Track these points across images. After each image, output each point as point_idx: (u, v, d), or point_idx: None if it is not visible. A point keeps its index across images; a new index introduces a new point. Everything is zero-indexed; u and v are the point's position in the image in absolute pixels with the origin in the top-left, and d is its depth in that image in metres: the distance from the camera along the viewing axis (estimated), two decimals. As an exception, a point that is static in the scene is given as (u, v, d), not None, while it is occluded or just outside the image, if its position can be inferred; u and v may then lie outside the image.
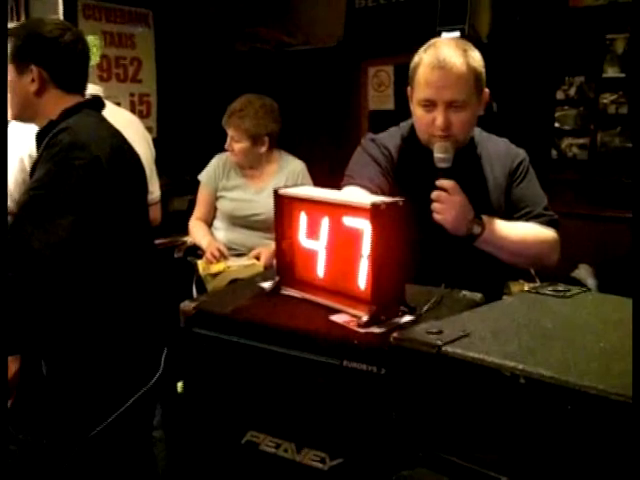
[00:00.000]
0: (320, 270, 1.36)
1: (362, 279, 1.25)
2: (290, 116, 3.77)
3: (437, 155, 1.97)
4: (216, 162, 3.58)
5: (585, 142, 4.44)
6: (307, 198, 1.36)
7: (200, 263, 3.34)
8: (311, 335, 1.21)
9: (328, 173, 3.17)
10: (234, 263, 3.27)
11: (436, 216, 1.96)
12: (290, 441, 1.27)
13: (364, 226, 1.21)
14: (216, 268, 3.24)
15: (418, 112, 2.05)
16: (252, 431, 1.33)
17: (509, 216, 2.09)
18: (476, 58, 2.03)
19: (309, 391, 1.23)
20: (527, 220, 2.10)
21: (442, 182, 1.95)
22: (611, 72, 4.33)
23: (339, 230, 1.29)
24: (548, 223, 2.11)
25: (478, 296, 1.34)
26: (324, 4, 5.30)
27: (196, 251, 3.57)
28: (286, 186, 3.24)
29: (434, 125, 1.99)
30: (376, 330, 1.16)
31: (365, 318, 1.18)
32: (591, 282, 3.99)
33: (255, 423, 1.32)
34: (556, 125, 4.52)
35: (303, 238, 1.38)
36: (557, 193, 4.36)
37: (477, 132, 2.20)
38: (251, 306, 1.37)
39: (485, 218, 1.99)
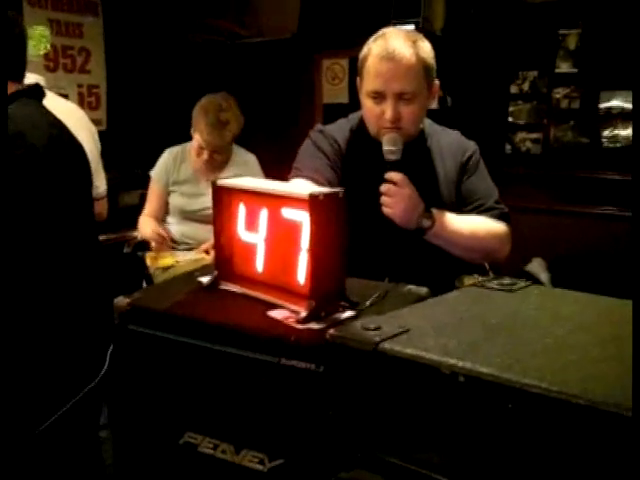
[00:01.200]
0: (259, 264, 1.31)
1: (301, 273, 1.20)
2: (244, 109, 3.71)
3: (386, 147, 1.93)
4: (167, 156, 3.49)
5: (538, 137, 4.47)
6: (246, 189, 1.31)
7: (148, 255, 3.27)
8: (248, 332, 1.16)
9: (281, 166, 3.12)
10: (183, 257, 3.20)
11: (385, 209, 1.92)
12: (229, 442, 1.23)
13: (303, 218, 1.16)
14: (164, 262, 3.17)
15: (367, 104, 2.00)
16: (190, 432, 1.28)
17: (460, 209, 2.07)
18: (426, 49, 1.99)
19: (247, 390, 1.18)
20: (478, 213, 2.07)
21: (391, 175, 1.91)
22: (564, 67, 4.36)
23: (278, 222, 1.24)
24: (499, 216, 2.08)
25: (423, 290, 1.31)
26: (279, -4, 5.26)
27: (146, 246, 3.49)
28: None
29: (383, 117, 1.95)
30: (315, 326, 1.12)
31: (303, 314, 1.13)
32: (544, 276, 4.02)
33: (193, 424, 1.27)
34: (510, 120, 4.54)
35: (242, 231, 1.33)
36: (511, 187, 4.37)
37: (428, 124, 2.17)
38: (188, 302, 1.32)
39: (435, 211, 1.96)
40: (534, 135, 4.48)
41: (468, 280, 3.82)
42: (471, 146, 2.17)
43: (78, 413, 2.06)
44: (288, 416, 1.13)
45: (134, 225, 3.67)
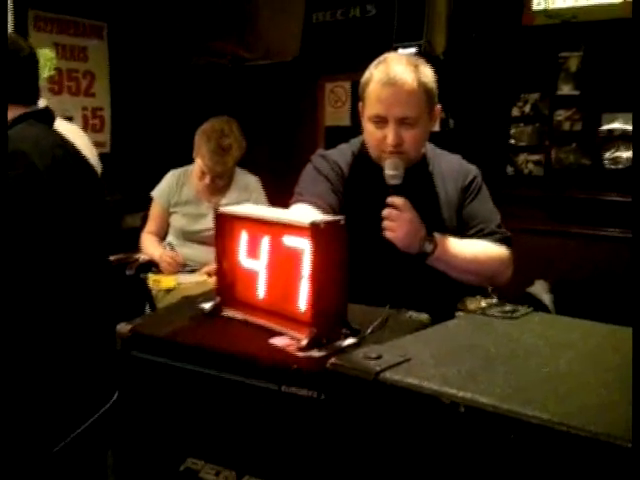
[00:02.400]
0: (261, 291, 1.31)
1: (302, 300, 1.20)
2: (246, 131, 3.73)
3: (388, 172, 1.95)
4: (170, 178, 3.52)
5: (540, 158, 4.48)
6: (247, 217, 1.31)
7: (151, 277, 3.28)
8: (249, 359, 1.16)
9: (283, 188, 3.13)
10: (185, 279, 3.21)
11: (387, 234, 1.93)
12: (230, 469, 1.22)
13: (304, 246, 1.16)
14: (166, 284, 3.18)
15: (369, 128, 2.02)
16: (191, 458, 1.28)
17: (462, 233, 2.07)
18: (427, 74, 2.01)
19: (249, 417, 1.18)
20: (480, 237, 2.08)
21: (393, 199, 1.92)
22: (565, 89, 4.38)
23: (279, 250, 1.24)
24: (501, 240, 2.09)
25: (424, 317, 1.30)
26: (282, 19, 5.28)
27: (150, 267, 3.50)
28: (238, 201, 3.23)
29: (385, 142, 1.97)
30: (316, 354, 1.11)
31: (304, 341, 1.13)
32: (546, 297, 4.01)
33: (194, 450, 1.27)
34: (511, 142, 4.55)
35: (243, 258, 1.33)
36: (513, 209, 4.38)
37: (430, 148, 2.18)
38: (189, 328, 1.32)
39: (437, 236, 1.97)
40: (536, 157, 4.49)
41: (471, 302, 3.82)
42: (472, 170, 2.18)
43: (87, 439, 2.06)
44: (289, 443, 1.13)
45: (137, 247, 3.68)
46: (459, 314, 1.77)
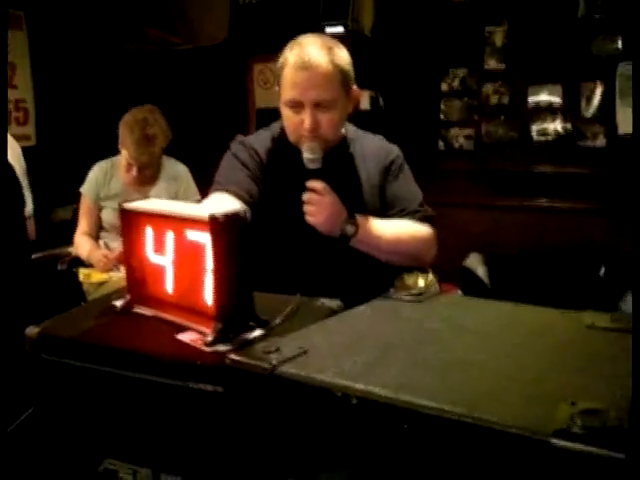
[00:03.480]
0: (169, 286, 1.30)
1: (208, 294, 1.19)
2: (176, 118, 3.67)
3: (306, 156, 1.93)
4: (96, 171, 3.43)
5: (470, 132, 4.52)
6: (152, 212, 1.29)
7: (82, 271, 3.22)
8: (157, 357, 1.15)
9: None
10: (116, 273, 3.16)
11: (308, 218, 1.91)
12: (147, 467, 1.22)
13: (206, 240, 1.15)
14: (97, 278, 3.13)
15: (286, 113, 2.00)
16: (109, 459, 1.27)
17: (384, 214, 2.07)
18: (342, 56, 1.99)
19: (160, 415, 1.17)
20: (402, 217, 2.08)
21: (312, 183, 1.91)
22: (492, 64, 4.41)
23: (184, 244, 1.23)
24: (423, 219, 2.09)
25: (335, 304, 1.30)
26: (209, 2, 5.20)
27: (81, 262, 3.43)
28: (168, 192, 3.18)
29: (302, 126, 1.95)
30: (222, 348, 1.11)
31: (210, 337, 1.12)
32: (481, 270, 4.06)
33: (111, 450, 1.26)
34: (442, 117, 4.58)
35: (151, 253, 1.31)
36: (445, 183, 4.43)
37: (351, 130, 2.17)
38: (99, 328, 1.30)
39: (359, 218, 1.96)
40: (466, 131, 4.52)
41: (409, 278, 3.85)
42: (394, 150, 2.18)
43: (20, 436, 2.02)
44: (200, 439, 1.12)
45: (69, 241, 3.61)
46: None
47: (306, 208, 1.91)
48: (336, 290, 1.46)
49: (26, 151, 3.21)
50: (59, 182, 4.35)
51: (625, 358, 0.93)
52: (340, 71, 1.96)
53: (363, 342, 0.98)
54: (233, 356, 0.95)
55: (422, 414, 0.78)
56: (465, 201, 4.41)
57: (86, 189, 3.42)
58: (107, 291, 3.01)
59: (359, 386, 0.82)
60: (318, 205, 1.90)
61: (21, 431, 2.12)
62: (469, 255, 4.19)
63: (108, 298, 1.46)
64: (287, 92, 1.97)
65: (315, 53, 1.93)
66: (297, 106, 1.95)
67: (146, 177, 3.33)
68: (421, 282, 4.19)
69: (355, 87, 2.06)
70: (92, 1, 4.93)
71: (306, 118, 1.94)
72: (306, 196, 1.91)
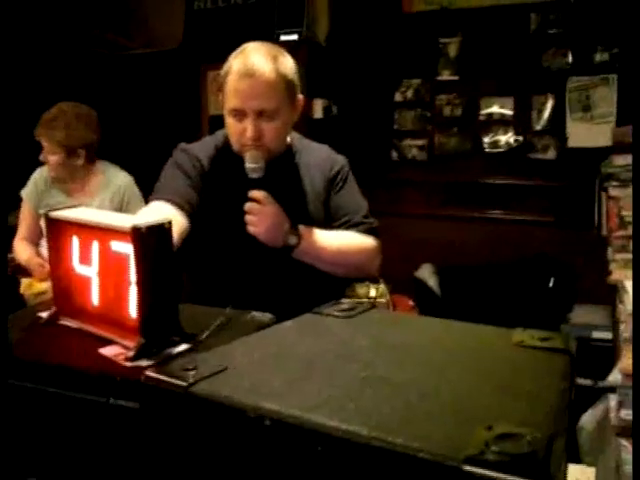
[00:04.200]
0: (95, 298, 1.26)
1: (133, 307, 1.16)
2: (128, 123, 3.61)
3: (248, 165, 1.91)
4: (37, 177, 3.32)
5: (424, 143, 4.54)
6: (77, 222, 1.25)
7: (24, 281, 3.14)
8: (78, 372, 1.11)
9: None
10: (56, 283, 3.08)
11: (250, 228, 1.89)
12: (69, 486, 1.17)
13: (129, 251, 1.12)
14: (38, 288, 3.05)
15: (229, 121, 1.97)
16: (31, 478, 1.22)
17: (329, 225, 2.05)
18: (287, 64, 1.97)
19: (83, 433, 1.13)
20: (346, 228, 2.06)
21: (254, 193, 1.88)
22: (445, 75, 4.45)
23: (108, 255, 1.19)
24: (367, 231, 2.08)
25: (267, 317, 1.28)
26: (164, 7, 5.16)
27: (24, 270, 3.35)
28: (111, 202, 3.10)
29: (245, 135, 1.92)
30: (144, 363, 1.07)
31: (131, 352, 1.09)
32: (432, 281, 4.07)
33: (35, 470, 1.21)
34: (395, 127, 4.59)
35: (77, 264, 1.27)
36: (398, 193, 4.44)
37: (296, 139, 2.14)
38: (23, 341, 1.25)
39: (302, 228, 1.94)
40: (419, 142, 4.54)
41: (360, 288, 3.85)
42: (339, 160, 2.16)
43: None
44: (124, 458, 1.09)
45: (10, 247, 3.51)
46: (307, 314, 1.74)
47: (247, 218, 1.88)
48: (278, 303, 1.44)
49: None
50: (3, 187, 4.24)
51: (548, 375, 0.92)
52: (284, 80, 1.94)
53: (284, 359, 0.95)
54: (149, 373, 0.92)
55: (333, 437, 0.75)
56: (418, 212, 4.42)
57: (27, 193, 3.32)
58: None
59: (273, 406, 0.80)
60: (259, 215, 1.88)
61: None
62: (421, 266, 4.20)
63: (34, 310, 1.42)
64: (230, 100, 1.94)
65: (259, 61, 1.91)
66: (240, 114, 1.92)
67: (86, 187, 3.25)
68: (372, 292, 4.17)
69: (301, 96, 2.04)
70: (45, 3, 4.84)
71: (248, 127, 1.91)
72: (247, 206, 1.88)
